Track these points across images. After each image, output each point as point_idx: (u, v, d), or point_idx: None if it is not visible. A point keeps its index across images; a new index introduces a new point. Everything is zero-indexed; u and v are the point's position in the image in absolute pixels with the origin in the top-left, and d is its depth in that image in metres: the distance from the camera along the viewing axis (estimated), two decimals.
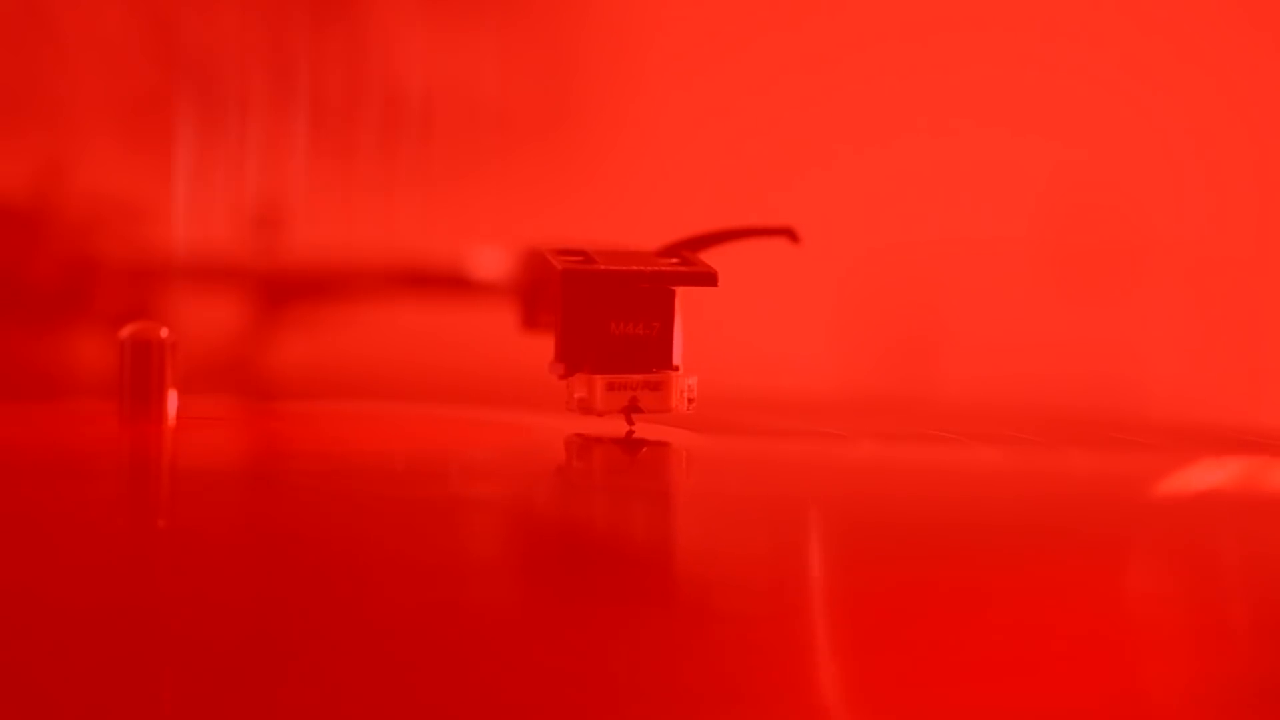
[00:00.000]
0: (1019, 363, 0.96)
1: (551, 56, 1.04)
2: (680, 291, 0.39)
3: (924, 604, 0.26)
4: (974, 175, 1.00)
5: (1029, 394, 0.93)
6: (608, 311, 0.38)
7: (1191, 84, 1.00)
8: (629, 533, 0.32)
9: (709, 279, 0.39)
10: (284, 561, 0.28)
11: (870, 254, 1.00)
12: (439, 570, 0.27)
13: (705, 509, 0.34)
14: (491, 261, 0.63)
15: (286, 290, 0.68)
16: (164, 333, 0.40)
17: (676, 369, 0.39)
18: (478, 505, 0.34)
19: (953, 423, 0.51)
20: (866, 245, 1.00)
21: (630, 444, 0.39)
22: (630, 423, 0.39)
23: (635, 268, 0.38)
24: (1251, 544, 0.32)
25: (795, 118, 1.01)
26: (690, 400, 0.39)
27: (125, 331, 0.40)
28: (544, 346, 0.39)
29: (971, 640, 0.24)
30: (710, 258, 0.40)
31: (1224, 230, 0.99)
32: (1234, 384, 0.97)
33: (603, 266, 0.38)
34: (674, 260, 0.39)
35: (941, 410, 0.66)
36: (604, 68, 1.04)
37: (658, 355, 0.39)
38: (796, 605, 0.26)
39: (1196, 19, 1.00)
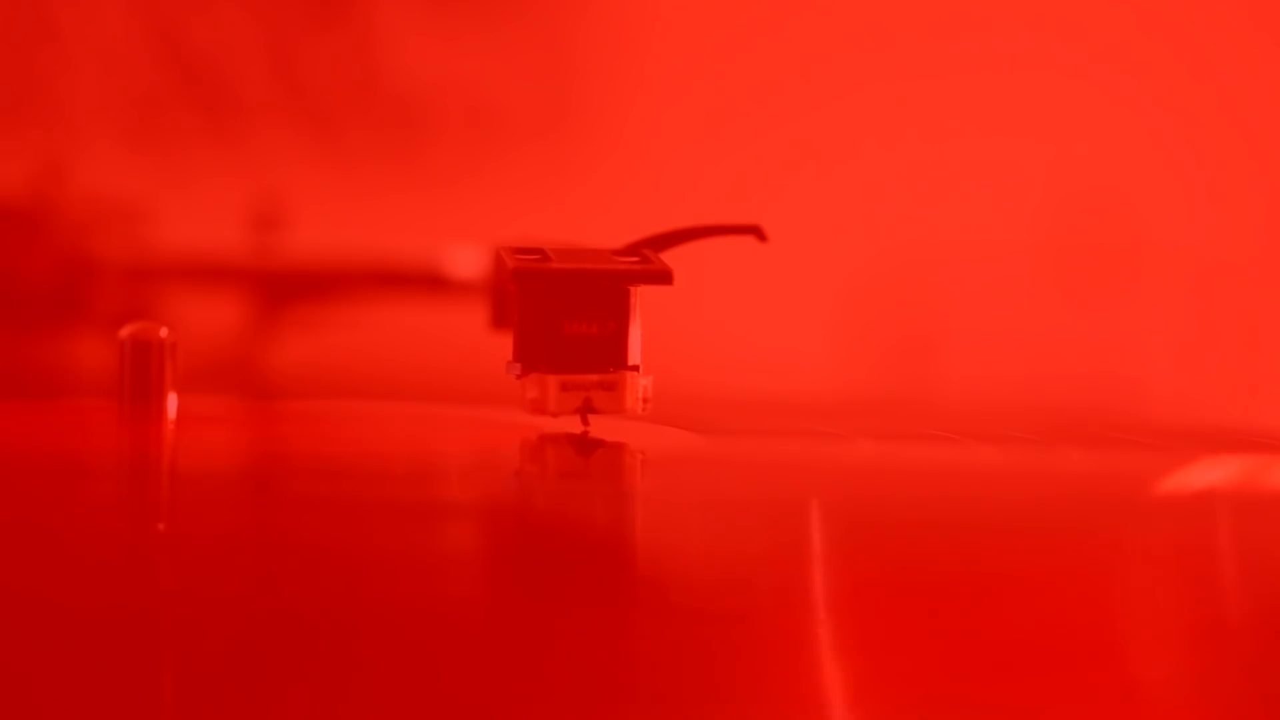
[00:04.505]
0: (1019, 363, 0.96)
1: (551, 57, 1.04)
2: (662, 292, 0.38)
3: (923, 603, 0.26)
4: (974, 176, 1.00)
5: (1029, 394, 0.93)
6: (562, 310, 0.38)
7: (1191, 86, 1.00)
8: (628, 533, 0.32)
9: (664, 277, 0.38)
10: (283, 562, 0.28)
11: (870, 254, 1.00)
12: (437, 572, 0.27)
13: (705, 509, 0.34)
14: (478, 261, 0.63)
15: (286, 290, 0.68)
16: (164, 333, 0.40)
17: (634, 369, 0.38)
18: (471, 507, 0.34)
19: (953, 422, 0.51)
20: (866, 246, 1.00)
21: (589, 444, 0.38)
22: (585, 423, 0.39)
23: (589, 266, 0.38)
24: (1251, 543, 0.32)
25: (795, 118, 1.01)
26: (646, 401, 0.38)
27: (125, 331, 0.40)
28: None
29: (971, 639, 0.24)
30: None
31: (1223, 231, 0.99)
32: (1233, 384, 0.97)
33: (556, 265, 0.38)
34: (632, 259, 0.38)
35: (941, 410, 0.66)
36: (604, 68, 1.04)
37: (613, 355, 0.38)
38: (796, 605, 0.26)
39: (1195, 21, 1.00)
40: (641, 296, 0.38)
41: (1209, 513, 0.35)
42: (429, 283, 0.67)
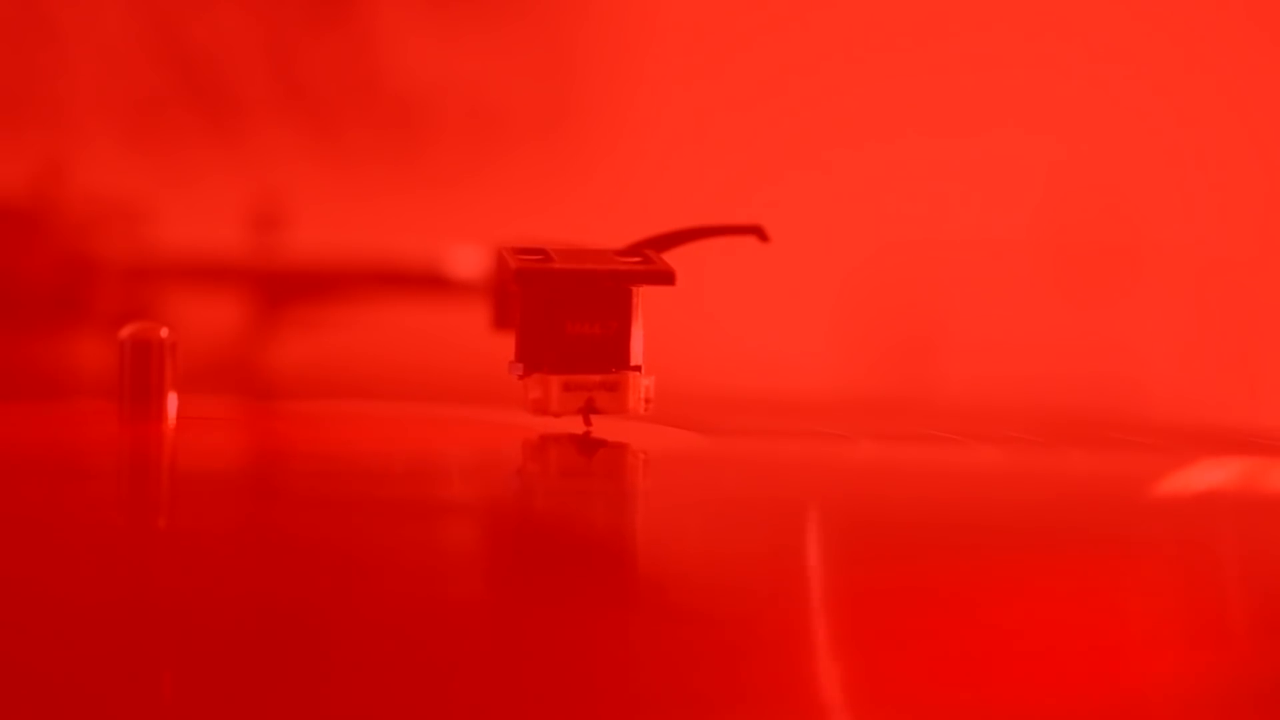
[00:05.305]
0: (1019, 363, 0.96)
1: (551, 57, 1.04)
2: (663, 292, 0.38)
3: (924, 604, 0.26)
4: (974, 176, 1.00)
5: (1029, 394, 0.93)
6: (565, 311, 0.38)
7: (1191, 85, 1.00)
8: (630, 533, 0.32)
9: (666, 278, 0.38)
10: (283, 561, 0.28)
11: (870, 254, 1.00)
12: (438, 572, 0.27)
13: (705, 510, 0.34)
14: (479, 261, 0.63)
15: (286, 290, 0.68)
16: (164, 333, 0.40)
17: (636, 369, 0.38)
18: (472, 507, 0.34)
19: (953, 422, 0.51)
20: (866, 245, 1.00)
21: (591, 444, 0.38)
22: (587, 423, 0.39)
23: (591, 266, 0.38)
24: (1251, 544, 0.32)
25: (795, 118, 1.01)
26: (648, 401, 0.38)
27: (125, 331, 0.40)
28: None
29: (971, 640, 0.24)
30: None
31: (1223, 231, 0.99)
32: (1233, 384, 0.97)
33: (558, 265, 0.38)
34: (634, 259, 0.38)
35: (941, 410, 0.66)
36: (604, 68, 1.04)
37: (615, 355, 0.38)
38: (796, 606, 0.26)
39: (1196, 20, 1.00)
40: (643, 297, 0.38)
41: (1209, 513, 0.35)
42: (430, 283, 0.67)
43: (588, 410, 0.38)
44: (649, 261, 0.38)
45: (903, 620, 0.25)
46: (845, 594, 0.27)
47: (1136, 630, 0.25)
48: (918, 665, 0.23)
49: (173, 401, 0.40)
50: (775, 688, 0.22)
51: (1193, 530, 0.33)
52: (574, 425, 0.39)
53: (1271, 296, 0.98)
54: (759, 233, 0.39)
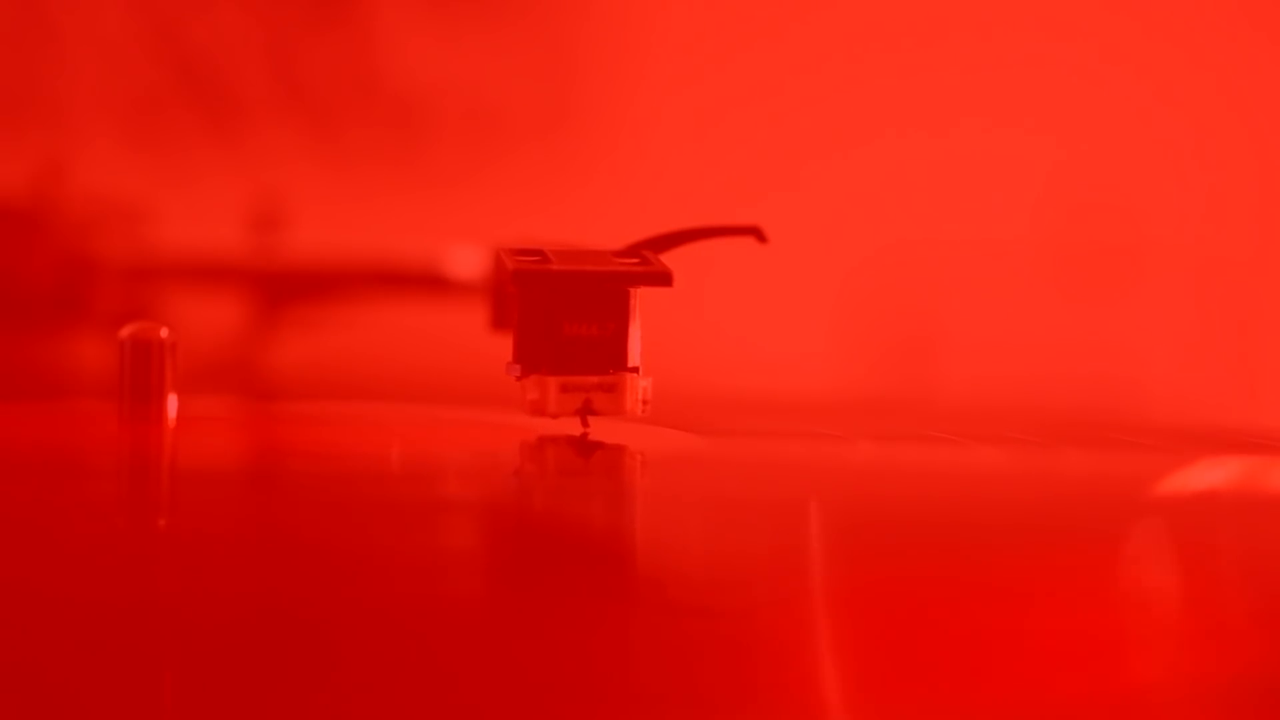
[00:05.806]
0: (1019, 363, 0.96)
1: (551, 57, 1.04)
2: (661, 293, 0.38)
3: (924, 604, 0.26)
4: (974, 175, 1.00)
5: (1029, 394, 0.93)
6: (562, 312, 0.38)
7: (1192, 84, 1.00)
8: (629, 534, 0.32)
9: (664, 279, 0.38)
10: (282, 561, 0.28)
11: (870, 254, 1.00)
12: (436, 571, 0.27)
13: (705, 510, 0.34)
14: (478, 261, 0.63)
15: (286, 290, 0.68)
16: (164, 333, 0.40)
17: (633, 370, 0.38)
18: (472, 507, 0.34)
19: (953, 423, 0.51)
20: (866, 245, 1.00)
21: (589, 445, 0.38)
22: (585, 424, 0.39)
23: (589, 268, 0.38)
24: (1251, 543, 0.32)
25: (795, 118, 1.01)
26: (646, 402, 0.38)
27: (125, 331, 0.40)
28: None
29: (971, 640, 0.24)
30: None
31: (1223, 231, 0.99)
32: (1233, 384, 0.97)
33: (556, 267, 0.38)
34: (632, 260, 0.38)
35: (941, 410, 0.66)
36: (604, 68, 1.04)
37: (613, 356, 0.38)
38: (795, 604, 0.26)
39: (1196, 19, 1.00)
40: (641, 298, 0.38)
41: (1209, 513, 0.35)
42: (429, 283, 0.67)
43: (585, 411, 0.38)
44: (647, 263, 0.38)
45: (902, 620, 0.25)
46: (844, 593, 0.27)
47: (1136, 630, 0.25)
48: (917, 664, 0.23)
49: (173, 402, 0.40)
50: (774, 686, 0.22)
51: (1193, 530, 0.33)
52: (572, 426, 0.39)
53: (1271, 296, 0.98)
54: (757, 233, 0.39)
